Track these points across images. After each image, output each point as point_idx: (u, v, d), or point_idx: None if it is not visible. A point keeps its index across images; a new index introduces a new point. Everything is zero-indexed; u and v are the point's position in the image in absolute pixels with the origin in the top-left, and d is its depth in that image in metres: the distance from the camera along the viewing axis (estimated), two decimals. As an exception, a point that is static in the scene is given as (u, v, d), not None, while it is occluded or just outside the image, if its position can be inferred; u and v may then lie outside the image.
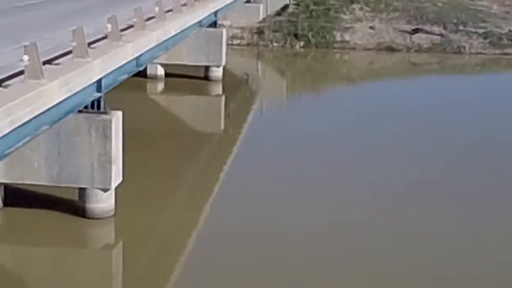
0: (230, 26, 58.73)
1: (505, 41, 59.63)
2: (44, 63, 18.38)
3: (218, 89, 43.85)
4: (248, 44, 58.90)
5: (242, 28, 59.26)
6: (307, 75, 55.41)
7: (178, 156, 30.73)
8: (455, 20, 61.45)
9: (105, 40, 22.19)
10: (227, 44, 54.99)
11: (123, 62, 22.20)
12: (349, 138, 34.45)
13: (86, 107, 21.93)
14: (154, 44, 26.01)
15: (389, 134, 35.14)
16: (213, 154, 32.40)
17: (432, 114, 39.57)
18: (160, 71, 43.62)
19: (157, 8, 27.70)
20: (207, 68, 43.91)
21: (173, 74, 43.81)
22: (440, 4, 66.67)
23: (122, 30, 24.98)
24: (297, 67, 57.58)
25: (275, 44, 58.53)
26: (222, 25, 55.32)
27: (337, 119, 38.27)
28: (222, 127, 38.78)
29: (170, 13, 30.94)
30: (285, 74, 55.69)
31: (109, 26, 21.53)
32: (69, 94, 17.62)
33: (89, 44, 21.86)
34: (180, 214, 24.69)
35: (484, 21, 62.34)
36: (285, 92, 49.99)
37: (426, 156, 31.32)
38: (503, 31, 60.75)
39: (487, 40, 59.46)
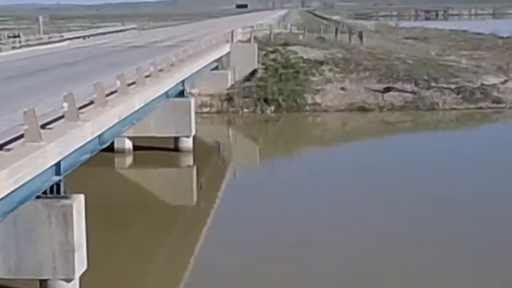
0: (199, 94, 57.68)
1: (478, 95, 59.11)
2: (-5, 149, 17.05)
3: (189, 160, 42.48)
4: (218, 112, 57.80)
5: (211, 96, 58.19)
6: (280, 139, 54.20)
7: (149, 234, 29.18)
8: (426, 77, 60.87)
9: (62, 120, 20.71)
10: (197, 113, 53.97)
11: (82, 143, 20.75)
12: (326, 203, 33.19)
13: (45, 191, 20.41)
14: (116, 120, 24.65)
15: (367, 195, 34.03)
16: (185, 230, 30.77)
17: (410, 172, 38.75)
18: (128, 145, 42.24)
19: (118, 82, 26.36)
20: (176, 139, 42.61)
21: (141, 146, 42.47)
22: (410, 62, 66.21)
23: (82, 107, 23.69)
24: (269, 132, 56.42)
25: (245, 110, 57.45)
26: (191, 94, 54.32)
27: (312, 184, 37.17)
28: (195, 199, 37.27)
29: (134, 86, 29.63)
30: (257, 140, 54.49)
31: (65, 104, 20.11)
32: (18, 185, 16.07)
33: (45, 125, 20.55)
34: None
35: (455, 76, 61.84)
36: (258, 158, 48.73)
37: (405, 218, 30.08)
38: (475, 85, 60.30)
39: (460, 95, 58.88)
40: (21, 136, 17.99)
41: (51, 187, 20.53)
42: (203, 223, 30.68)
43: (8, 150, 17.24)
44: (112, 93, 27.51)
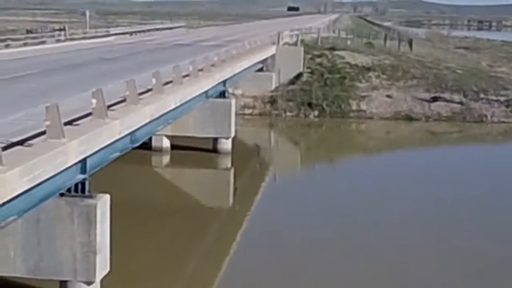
0: (242, 95, 56.94)
1: (528, 109, 57.42)
2: (13, 144, 16.26)
3: (227, 162, 41.65)
4: (260, 114, 56.93)
5: (254, 97, 57.36)
6: (322, 145, 53.16)
7: (180, 236, 28.43)
8: (475, 88, 59.33)
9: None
10: (238, 114, 53.28)
11: (108, 142, 19.96)
12: (368, 214, 32.05)
13: (69, 190, 19.69)
14: (148, 119, 23.81)
15: (411, 210, 32.73)
16: (219, 234, 29.84)
17: (456, 188, 37.35)
18: (166, 143, 41.57)
19: (154, 80, 25.57)
20: (215, 140, 41.81)
21: (179, 146, 41.76)
22: (459, 71, 64.73)
23: (113, 104, 22.94)
24: (312, 137, 55.37)
25: (288, 114, 56.49)
26: (233, 95, 53.56)
27: (353, 191, 36.26)
28: (231, 202, 36.43)
29: (170, 84, 28.84)
30: (299, 144, 53.47)
31: (94, 101, 19.35)
32: (33, 184, 15.33)
33: (72, 121, 19.83)
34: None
35: (506, 89, 60.21)
36: (299, 163, 47.76)
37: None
38: (525, 99, 58.57)
39: (509, 108, 57.29)
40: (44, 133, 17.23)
41: (76, 185, 19.83)
42: (238, 226, 29.91)
43: (29, 146, 16.50)
44: (147, 91, 26.78)
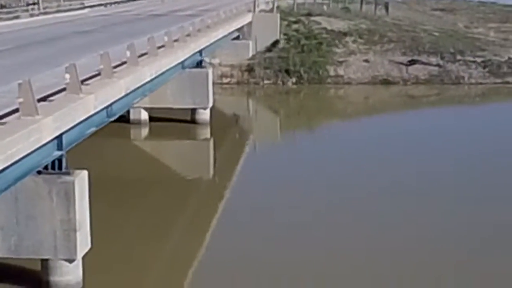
0: (219, 65, 56.60)
1: (505, 69, 57.65)
2: (-14, 123, 16.10)
3: (206, 132, 41.45)
4: (238, 82, 56.62)
5: (232, 66, 57.00)
6: (301, 112, 53.03)
7: (161, 210, 28.22)
8: (452, 50, 59.28)
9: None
10: (216, 83, 52.96)
11: (83, 117, 19.73)
12: (348, 180, 32.12)
13: (46, 167, 19.47)
14: (123, 93, 23.58)
15: (392, 176, 32.66)
16: (200, 207, 29.68)
17: (435, 151, 37.41)
18: (144, 116, 41.27)
19: (128, 53, 25.28)
20: (193, 110, 41.53)
21: (158, 118, 41.46)
22: (436, 34, 64.62)
23: (88, 79, 22.68)
24: (290, 104, 55.24)
25: (266, 82, 56.22)
26: (211, 64, 53.21)
27: (333, 159, 36.18)
28: (211, 172, 36.29)
29: (145, 56, 28.55)
30: (277, 113, 53.30)
31: (67, 76, 19.08)
32: (8, 163, 15.12)
33: (46, 97, 19.57)
34: (160, 284, 21.98)
35: (483, 50, 60.23)
36: (279, 132, 47.62)
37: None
38: (502, 59, 58.73)
39: (486, 69, 57.40)
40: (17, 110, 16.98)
41: (53, 162, 19.61)
42: (219, 198, 29.80)
43: (2, 124, 16.26)
44: (123, 63, 26.48)
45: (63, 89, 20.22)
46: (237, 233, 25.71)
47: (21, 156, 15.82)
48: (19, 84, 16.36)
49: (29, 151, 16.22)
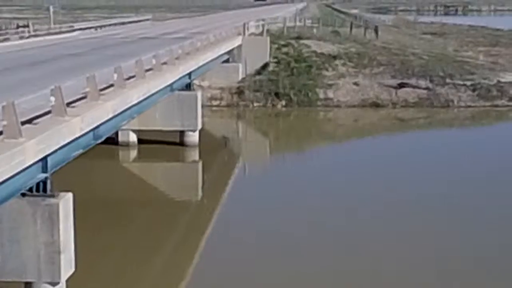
0: (209, 87, 56.69)
1: (494, 93, 57.69)
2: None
3: (194, 154, 41.46)
4: (228, 105, 56.67)
5: (222, 89, 57.08)
6: (291, 134, 53.10)
7: (149, 231, 28.24)
8: (441, 73, 59.44)
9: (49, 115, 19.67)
10: (206, 106, 53.05)
11: (68, 140, 19.69)
12: (337, 201, 32.25)
13: (31, 189, 19.42)
14: (110, 115, 23.55)
15: (377, 192, 32.99)
16: (187, 229, 29.62)
17: (425, 173, 37.47)
18: (133, 138, 41.30)
19: (115, 75, 25.30)
20: (182, 133, 41.55)
21: (146, 140, 41.48)
22: (425, 57, 64.80)
23: (74, 101, 22.66)
24: (280, 127, 55.30)
25: (256, 104, 56.28)
26: (200, 86, 53.35)
27: (323, 180, 36.37)
28: (200, 195, 36.25)
29: (133, 79, 28.56)
30: (267, 135, 53.33)
31: (52, 99, 19.06)
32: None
33: (31, 120, 19.54)
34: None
35: (472, 73, 60.39)
36: (268, 154, 47.63)
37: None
38: (491, 83, 58.85)
39: (476, 93, 57.51)
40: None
41: (38, 185, 19.56)
42: (207, 220, 29.74)
43: (-17, 147, 16.21)
44: (110, 86, 26.48)
45: (49, 112, 20.19)
46: (225, 254, 25.66)
47: (3, 178, 15.75)
48: (3, 107, 16.33)
49: (12, 173, 16.16)
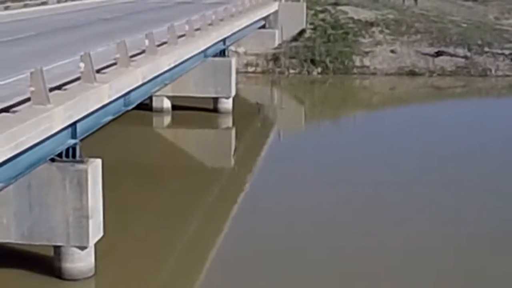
0: (245, 53, 56.60)
1: (533, 62, 56.84)
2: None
3: (228, 121, 41.49)
4: (263, 72, 56.54)
5: (257, 55, 56.93)
6: (326, 102, 52.94)
7: (181, 197, 28.32)
8: (479, 42, 58.73)
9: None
10: (242, 72, 52.97)
11: (96, 106, 19.79)
12: (372, 170, 32.02)
13: (60, 154, 19.58)
14: (140, 82, 23.60)
15: (420, 170, 32.23)
16: (220, 196, 29.68)
17: (462, 145, 36.98)
18: (167, 104, 41.39)
19: (146, 41, 25.32)
20: (215, 99, 41.56)
21: (180, 106, 41.55)
22: (464, 25, 64.00)
23: (105, 67, 22.75)
24: (315, 94, 55.09)
25: (291, 71, 56.10)
26: (236, 53, 53.23)
27: (358, 150, 35.98)
28: (232, 162, 36.27)
29: (165, 45, 28.57)
30: (302, 102, 53.19)
31: (81, 65, 19.15)
32: (18, 151, 15.21)
33: (61, 86, 19.67)
34: (175, 274, 21.94)
35: (510, 42, 59.49)
36: (303, 121, 47.51)
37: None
38: (530, 52, 57.96)
39: (514, 62, 56.69)
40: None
41: (67, 150, 19.72)
42: (238, 188, 29.79)
43: (14, 112, 16.36)
44: (142, 52, 26.54)
45: (79, 78, 20.29)
46: (254, 222, 25.70)
47: (31, 144, 15.90)
48: (31, 73, 16.45)
49: (39, 139, 16.31)
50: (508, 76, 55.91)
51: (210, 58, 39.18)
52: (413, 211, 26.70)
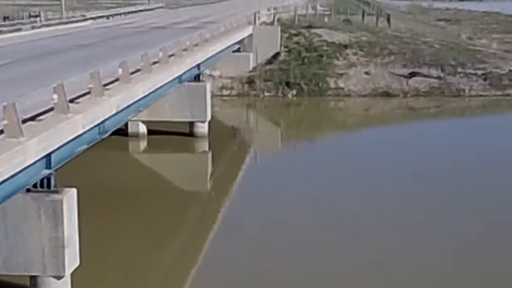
0: (220, 76, 56.85)
1: (506, 82, 57.61)
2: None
3: (204, 145, 41.61)
4: (238, 95, 56.82)
5: (232, 78, 57.22)
6: (302, 124, 53.20)
7: (158, 223, 28.38)
8: (453, 62, 59.36)
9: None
10: (217, 95, 53.28)
11: (71, 137, 19.93)
12: (349, 190, 32.40)
13: (35, 185, 19.69)
14: (113, 111, 23.76)
15: (387, 181, 33.15)
16: (196, 220, 29.83)
17: (436, 164, 37.36)
18: (142, 129, 41.50)
19: (120, 70, 25.51)
20: (191, 124, 41.75)
21: (156, 131, 41.66)
22: (437, 46, 64.71)
23: (78, 97, 22.90)
24: (291, 116, 55.38)
25: (266, 94, 56.42)
26: (211, 76, 53.57)
27: (334, 169, 36.46)
28: (209, 185, 36.42)
29: (139, 73, 28.76)
30: (278, 125, 53.46)
31: (55, 96, 19.30)
32: (-10, 186, 15.34)
33: (35, 116, 19.80)
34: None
35: (483, 62, 60.24)
36: (279, 143, 47.78)
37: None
38: (503, 72, 58.73)
39: (487, 82, 57.37)
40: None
41: (42, 181, 19.82)
42: (215, 212, 29.93)
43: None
44: (116, 80, 26.70)
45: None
46: (232, 245, 25.84)
47: (4, 178, 16.00)
48: (4, 107, 16.56)
49: (13, 172, 16.41)
50: (481, 96, 56.54)
51: (185, 83, 39.41)
52: (387, 229, 27.00)
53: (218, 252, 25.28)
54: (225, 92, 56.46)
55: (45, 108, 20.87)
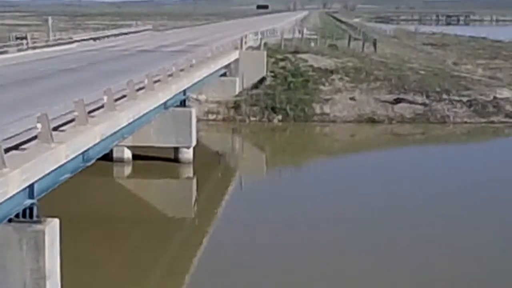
0: (206, 101, 56.89)
1: (491, 109, 57.84)
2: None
3: (189, 171, 41.52)
4: (224, 119, 56.85)
5: (218, 103, 57.26)
6: (287, 150, 53.21)
7: (141, 252, 28.27)
8: (438, 89, 59.61)
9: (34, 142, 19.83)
10: (203, 120, 53.29)
11: (54, 167, 19.83)
12: (336, 218, 32.36)
13: (18, 215, 19.56)
14: (98, 140, 23.68)
15: (372, 207, 33.28)
16: (180, 247, 29.73)
17: (422, 191, 37.50)
18: (127, 154, 41.43)
19: (105, 98, 25.46)
20: (176, 149, 41.69)
21: (141, 156, 41.59)
22: (422, 72, 64.98)
23: (63, 124, 22.82)
24: (276, 142, 55.43)
25: (252, 119, 56.46)
26: (197, 100, 53.59)
27: (321, 195, 36.52)
28: (193, 212, 36.33)
29: (124, 99, 28.73)
30: (263, 150, 53.46)
31: (39, 126, 19.23)
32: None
33: (19, 145, 19.72)
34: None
35: (468, 89, 60.50)
36: (265, 169, 47.75)
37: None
38: (488, 99, 58.99)
39: (472, 108, 57.65)
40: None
41: (24, 211, 19.70)
42: (199, 240, 29.82)
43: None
44: (101, 107, 26.64)
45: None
46: (216, 272, 25.78)
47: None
48: (-14, 139, 16.50)
49: (-4, 203, 16.31)
50: (466, 123, 56.77)
51: (171, 108, 39.39)
52: (371, 264, 26.98)
53: (201, 280, 25.18)
54: (211, 117, 56.48)
55: (30, 136, 20.79)
